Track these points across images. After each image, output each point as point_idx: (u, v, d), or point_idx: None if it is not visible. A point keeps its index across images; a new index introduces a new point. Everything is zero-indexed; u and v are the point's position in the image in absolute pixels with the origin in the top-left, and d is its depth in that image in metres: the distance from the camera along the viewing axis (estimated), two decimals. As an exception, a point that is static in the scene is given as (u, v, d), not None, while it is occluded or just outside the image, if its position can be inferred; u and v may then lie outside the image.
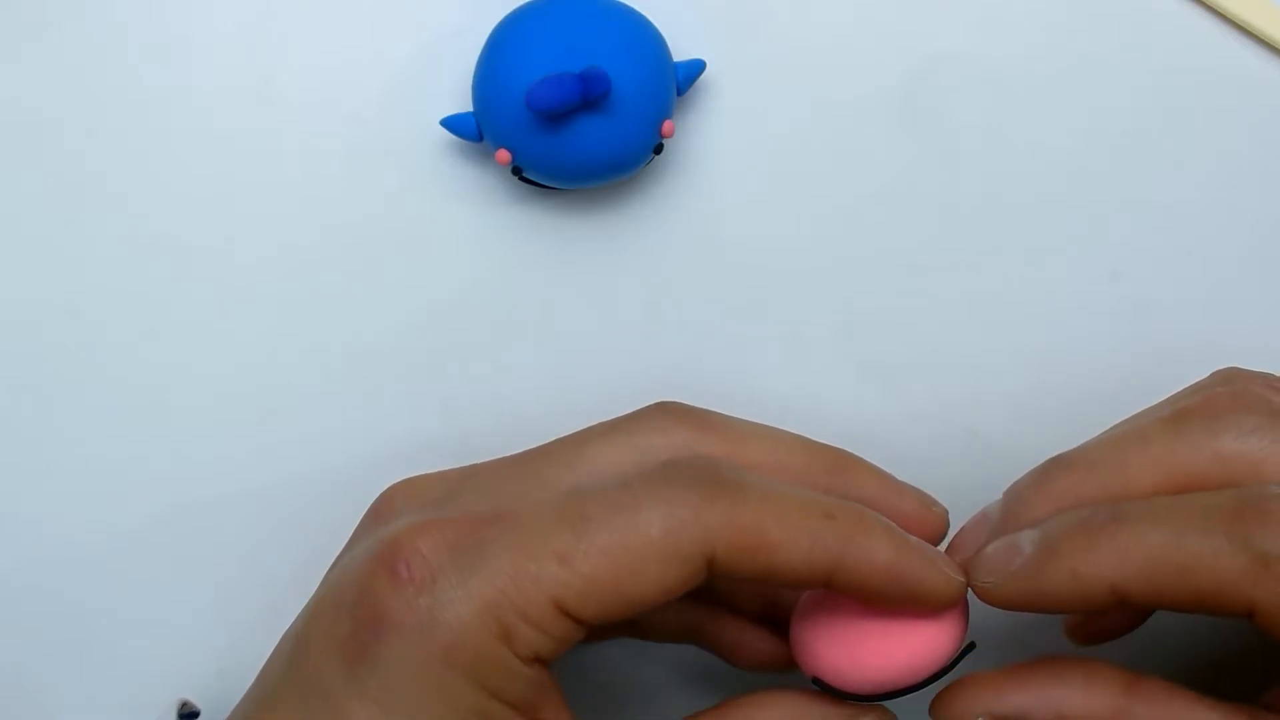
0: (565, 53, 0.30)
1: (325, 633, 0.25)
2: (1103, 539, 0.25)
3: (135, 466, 0.33)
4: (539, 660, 0.24)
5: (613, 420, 0.27)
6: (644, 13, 0.32)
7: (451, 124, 0.32)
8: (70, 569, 0.33)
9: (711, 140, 0.33)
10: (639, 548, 0.24)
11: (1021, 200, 0.34)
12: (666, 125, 0.31)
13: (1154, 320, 0.34)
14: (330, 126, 0.33)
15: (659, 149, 0.32)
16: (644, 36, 0.31)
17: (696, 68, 0.32)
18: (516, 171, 0.31)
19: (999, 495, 0.33)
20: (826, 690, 0.26)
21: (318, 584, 0.27)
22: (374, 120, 0.33)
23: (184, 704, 0.28)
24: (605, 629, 0.29)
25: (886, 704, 0.27)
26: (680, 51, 0.32)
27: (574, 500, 0.25)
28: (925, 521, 0.27)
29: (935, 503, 0.28)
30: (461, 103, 0.32)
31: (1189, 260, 0.34)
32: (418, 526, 0.25)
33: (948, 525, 0.28)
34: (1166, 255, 0.34)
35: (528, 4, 0.31)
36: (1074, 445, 0.33)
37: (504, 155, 0.31)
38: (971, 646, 0.26)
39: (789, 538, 0.25)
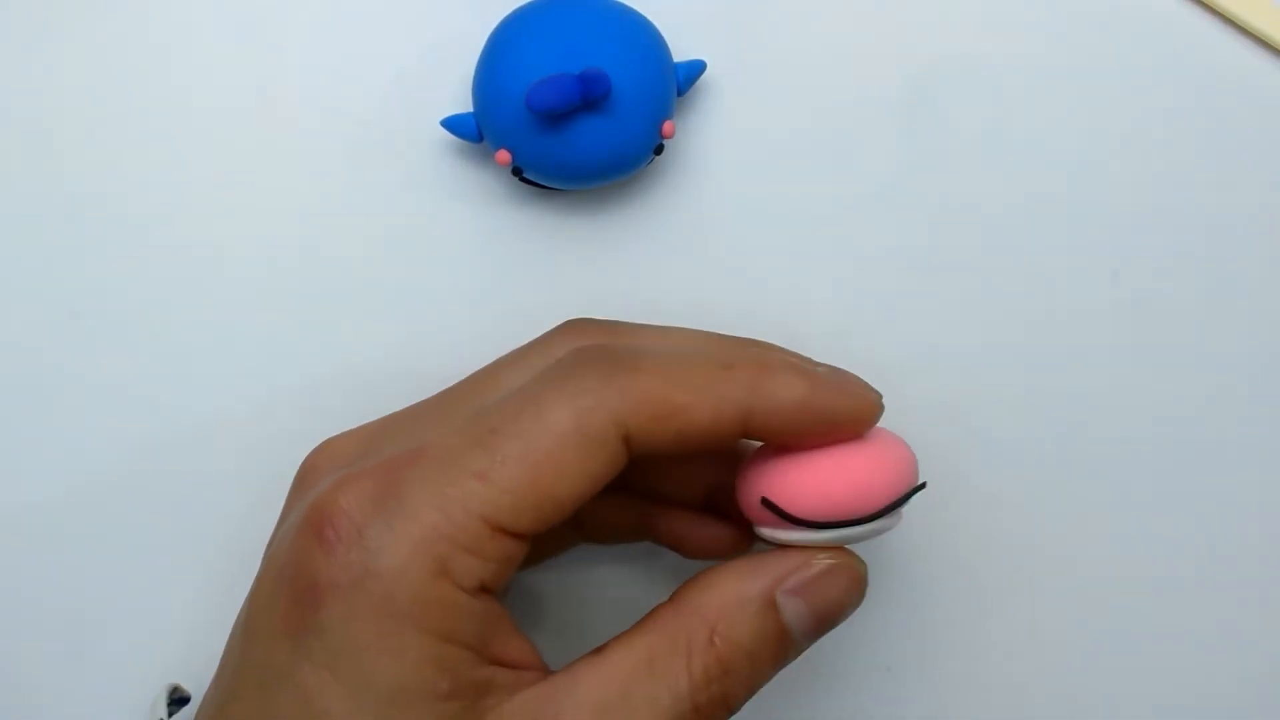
0: (565, 53, 0.30)
1: (266, 612, 0.25)
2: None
3: (135, 465, 0.33)
4: (484, 590, 0.24)
5: (524, 344, 0.27)
6: (644, 13, 0.32)
7: (452, 124, 0.32)
8: (65, 555, 0.33)
9: (711, 140, 0.33)
10: (553, 445, 0.24)
11: (1021, 201, 0.34)
12: (666, 126, 0.31)
13: (1154, 320, 0.34)
14: (331, 127, 0.33)
15: (659, 149, 0.32)
16: (644, 37, 0.31)
17: (696, 68, 0.32)
18: (516, 172, 0.31)
19: (999, 496, 0.34)
20: (776, 513, 0.25)
21: None
22: (374, 121, 0.33)
23: (174, 689, 0.28)
24: (552, 540, 0.30)
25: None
26: (680, 51, 0.32)
27: (480, 418, 0.25)
28: (863, 414, 0.26)
29: (866, 389, 0.26)
30: (462, 103, 0.32)
31: (1189, 260, 0.34)
32: (337, 484, 0.25)
33: (881, 404, 0.26)
34: (1166, 255, 0.34)
35: (528, 5, 0.31)
36: (1074, 446, 0.33)
37: (504, 156, 0.31)
38: (922, 486, 0.26)
39: (694, 398, 0.24)
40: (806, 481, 0.25)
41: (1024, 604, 0.33)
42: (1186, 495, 0.34)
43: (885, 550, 0.33)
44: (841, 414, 0.25)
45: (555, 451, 0.24)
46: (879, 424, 0.26)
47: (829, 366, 0.26)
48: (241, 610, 0.26)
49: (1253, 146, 0.34)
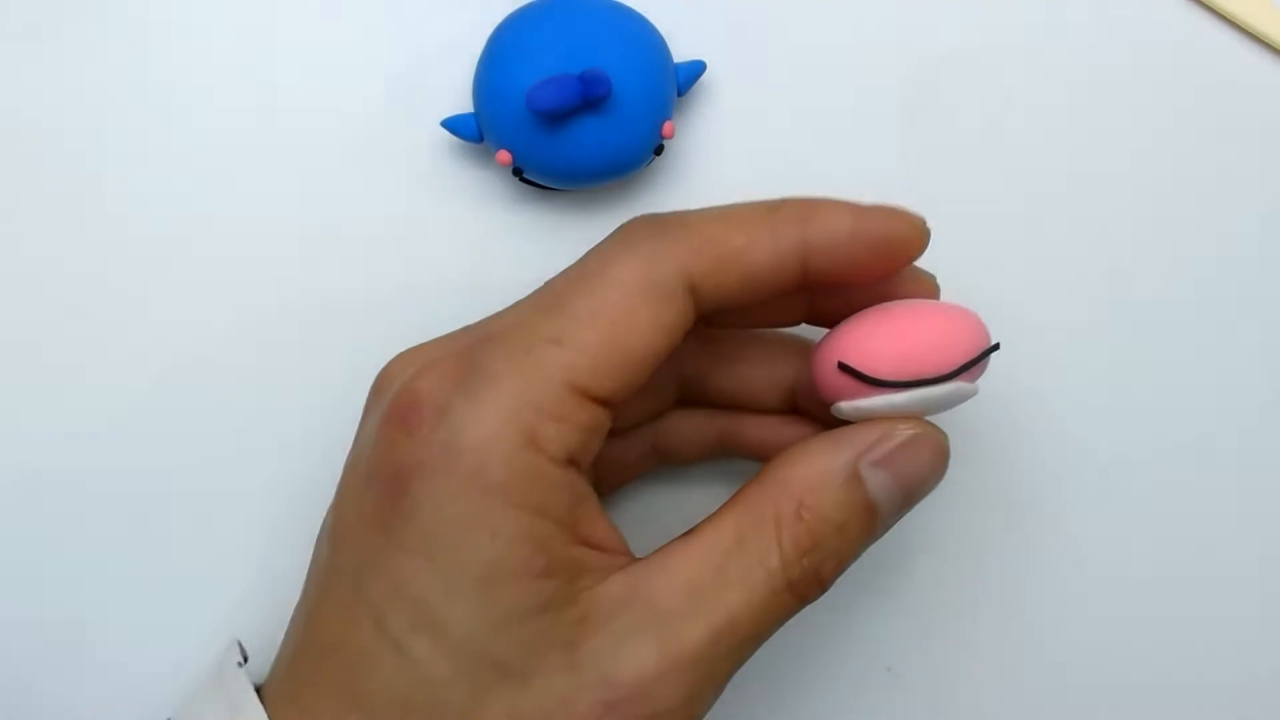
0: (565, 54, 0.30)
1: (355, 508, 0.24)
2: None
3: (134, 464, 0.33)
4: (572, 463, 0.24)
5: None
6: (644, 13, 0.32)
7: (452, 125, 0.32)
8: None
9: (711, 141, 0.33)
10: (623, 299, 0.24)
11: (1021, 201, 0.34)
12: (666, 126, 0.31)
13: (1153, 320, 0.34)
14: (331, 128, 0.33)
15: (659, 150, 0.32)
16: (644, 37, 0.31)
17: (696, 68, 0.32)
18: (517, 172, 0.31)
19: (999, 495, 0.34)
20: (853, 374, 0.25)
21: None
22: (375, 121, 0.33)
23: (240, 645, 0.28)
24: (634, 460, 0.30)
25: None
26: (680, 52, 0.32)
27: (545, 289, 0.25)
28: (913, 234, 0.26)
29: (910, 213, 0.26)
30: (462, 104, 0.32)
31: (1189, 260, 0.34)
32: (415, 375, 0.24)
33: (927, 227, 0.27)
34: (1166, 255, 0.34)
35: (528, 5, 0.31)
36: (1074, 445, 0.33)
37: (504, 156, 0.31)
38: (995, 347, 0.26)
39: (750, 238, 0.24)
40: (881, 340, 0.25)
41: (1024, 604, 0.33)
42: (1189, 496, 0.34)
43: (885, 550, 0.33)
44: (892, 235, 0.25)
45: (626, 305, 0.24)
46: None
47: (870, 200, 0.26)
48: (325, 520, 0.26)
49: (1253, 146, 0.34)
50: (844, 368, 0.25)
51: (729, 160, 0.34)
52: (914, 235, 0.26)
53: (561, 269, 0.33)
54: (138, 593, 0.33)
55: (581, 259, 0.25)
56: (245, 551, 0.33)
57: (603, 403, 0.24)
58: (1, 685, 0.33)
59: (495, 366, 0.23)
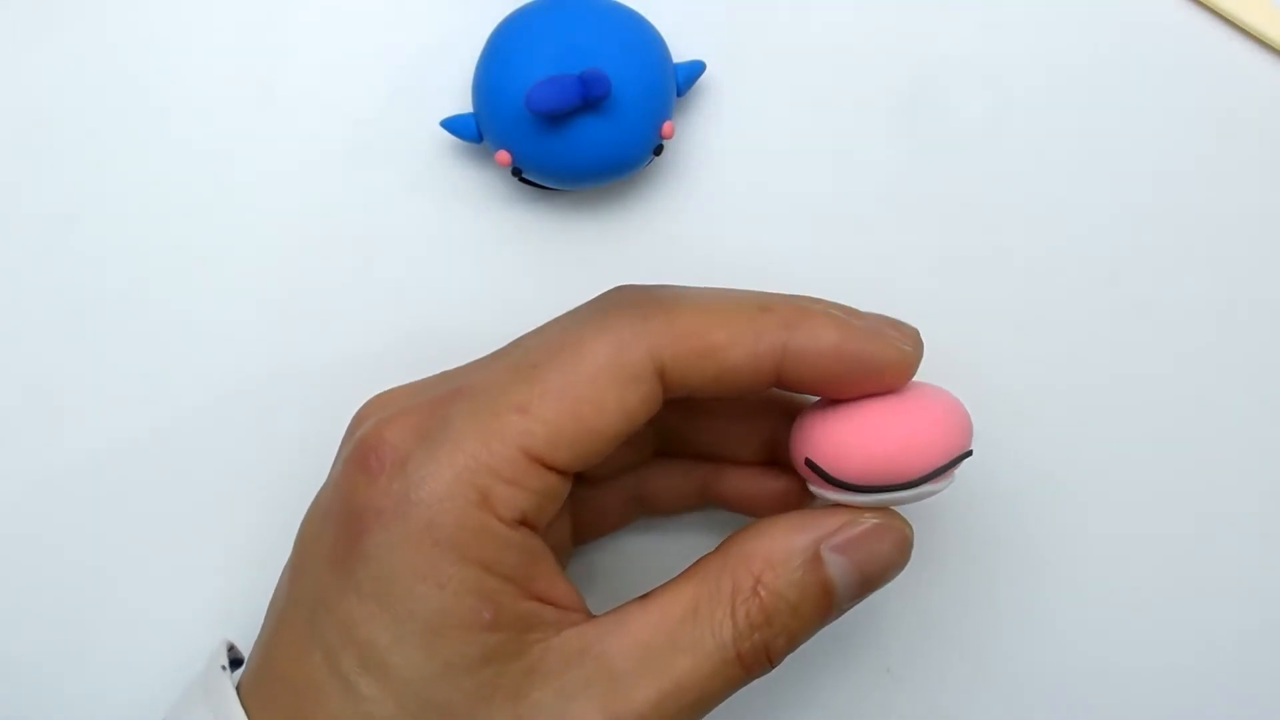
0: (565, 54, 0.30)
1: (315, 544, 0.25)
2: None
3: (133, 466, 0.33)
4: (525, 523, 0.24)
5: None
6: (644, 13, 0.32)
7: (451, 125, 0.32)
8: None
9: (711, 141, 0.33)
10: (591, 378, 0.24)
11: (1021, 201, 0.34)
12: (666, 126, 0.31)
13: (1154, 321, 0.34)
14: (331, 128, 0.33)
15: (659, 150, 0.32)
16: (644, 37, 0.31)
17: (696, 68, 0.32)
18: (516, 172, 0.31)
19: (999, 497, 0.34)
20: (819, 475, 0.26)
21: None
22: (374, 121, 0.33)
23: (231, 646, 0.28)
24: (612, 513, 0.30)
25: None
26: (680, 52, 0.32)
27: (521, 354, 0.25)
28: (897, 364, 0.26)
29: (903, 338, 0.26)
30: (461, 104, 0.32)
31: (1189, 261, 0.34)
32: (383, 421, 0.25)
33: (919, 354, 0.27)
34: (1166, 256, 0.34)
35: (527, 5, 0.31)
36: (1074, 444, 0.33)
37: (504, 156, 0.31)
38: (968, 454, 0.26)
39: (731, 336, 0.25)
40: (849, 443, 0.25)
41: (1025, 604, 0.33)
42: (1189, 495, 0.34)
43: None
44: (875, 361, 0.25)
45: (593, 385, 0.24)
46: (940, 384, 0.26)
47: (875, 315, 0.27)
48: (292, 550, 0.26)
49: (1253, 146, 0.34)
50: (810, 464, 0.26)
51: (729, 160, 0.33)
52: (899, 363, 0.25)
53: (561, 269, 0.33)
54: (138, 593, 0.33)
55: (562, 324, 0.26)
56: (245, 553, 0.33)
57: (559, 471, 0.24)
58: (2, 685, 0.33)
59: (459, 425, 0.24)
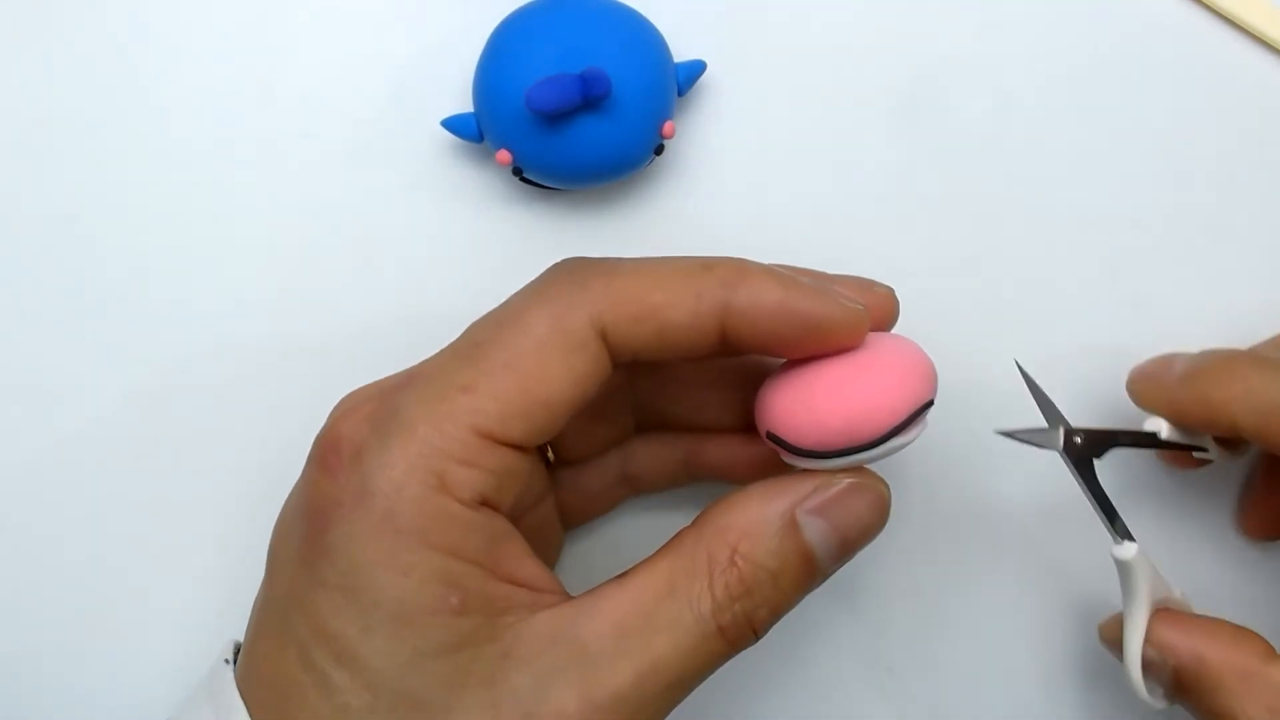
0: (565, 53, 0.30)
1: (284, 544, 0.25)
2: (1236, 378, 0.27)
3: (134, 466, 0.33)
4: (486, 504, 0.24)
5: None
6: (644, 13, 0.32)
7: (452, 125, 0.32)
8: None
9: (711, 141, 0.33)
10: (534, 349, 0.24)
11: (1021, 200, 0.34)
12: (667, 126, 0.31)
13: (1153, 320, 0.34)
14: (331, 127, 0.33)
15: (659, 149, 0.32)
16: (644, 37, 0.31)
17: (696, 68, 0.32)
18: (517, 172, 0.31)
19: (999, 494, 0.34)
20: (781, 445, 0.25)
21: None
22: (375, 121, 0.33)
23: (239, 646, 0.28)
24: (602, 496, 0.30)
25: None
26: (680, 52, 0.32)
27: (464, 336, 0.25)
28: (844, 321, 0.25)
29: (854, 296, 0.26)
30: (462, 103, 0.32)
31: (1189, 260, 0.34)
32: (338, 416, 0.25)
33: (887, 313, 0.27)
34: (1166, 255, 0.34)
35: (527, 5, 0.31)
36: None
37: (504, 156, 0.31)
38: (929, 404, 0.25)
39: (670, 296, 0.24)
40: (804, 411, 0.25)
41: (1025, 604, 0.33)
42: (1189, 494, 0.34)
43: (885, 550, 0.33)
44: (821, 319, 0.25)
45: (536, 356, 0.24)
46: (901, 333, 0.26)
47: (834, 276, 0.26)
48: (267, 554, 0.26)
49: (1253, 146, 0.34)
50: (772, 438, 0.25)
51: (729, 160, 0.33)
52: (845, 320, 0.25)
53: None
54: (139, 594, 0.33)
55: (505, 302, 0.26)
56: (244, 551, 0.33)
57: (515, 447, 0.24)
58: (2, 686, 0.33)
59: (409, 412, 0.24)
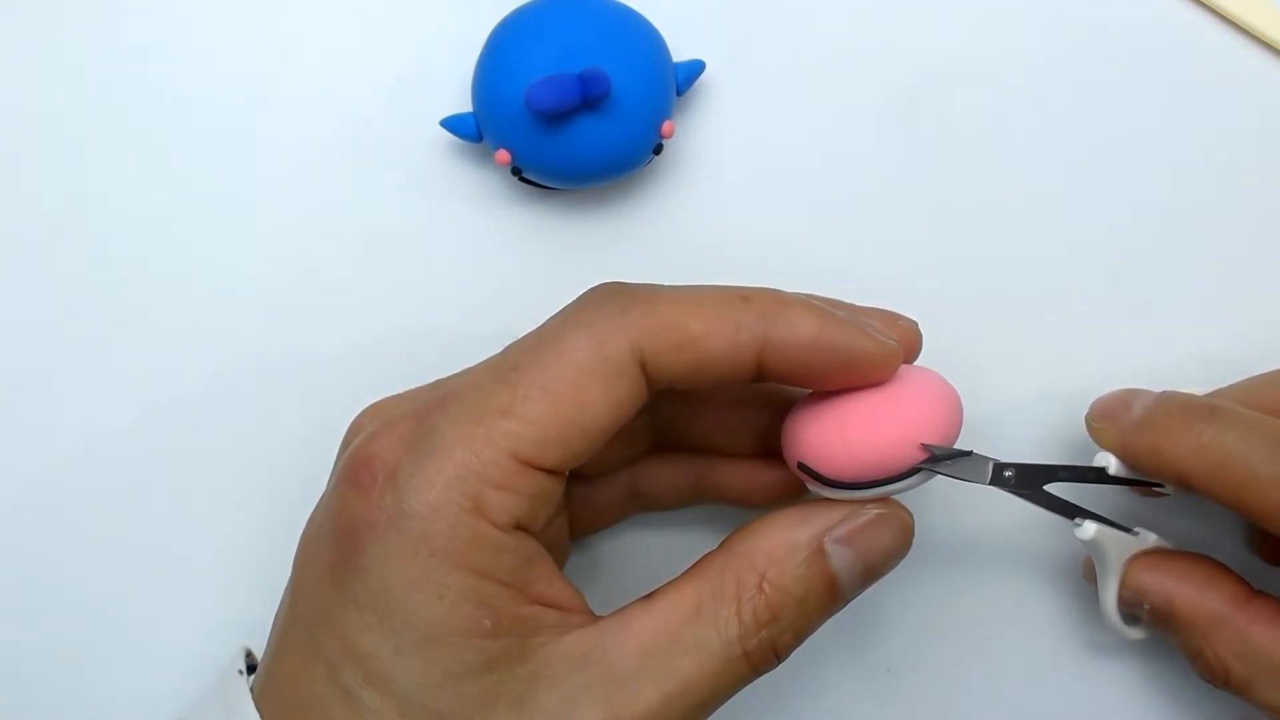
0: (564, 53, 0.30)
1: (312, 561, 0.25)
2: (1191, 432, 0.27)
3: (135, 467, 0.33)
4: (520, 528, 0.24)
5: None
6: (644, 13, 0.32)
7: (451, 124, 0.32)
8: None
9: (711, 140, 0.33)
10: (573, 375, 0.24)
11: (1021, 201, 0.34)
12: (666, 125, 0.31)
13: (1154, 321, 0.34)
14: (331, 127, 0.33)
15: (659, 149, 0.32)
16: (644, 37, 0.31)
17: (696, 68, 0.32)
18: (516, 172, 0.31)
19: (999, 494, 0.33)
20: (812, 476, 0.26)
21: None
22: (374, 121, 0.33)
23: (249, 653, 0.28)
24: (610, 508, 0.30)
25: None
26: (680, 51, 0.32)
27: (501, 357, 0.25)
28: (878, 356, 0.26)
29: (887, 330, 0.26)
30: (461, 103, 0.32)
31: (1189, 261, 0.34)
32: (373, 433, 0.25)
33: (916, 346, 0.28)
34: (1166, 256, 0.34)
35: (527, 5, 0.31)
36: (1075, 443, 0.33)
37: (504, 155, 0.31)
38: (967, 453, 0.26)
39: (709, 326, 0.25)
40: (838, 443, 0.25)
41: (1025, 603, 0.33)
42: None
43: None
44: (855, 353, 0.25)
45: (575, 381, 0.24)
46: (929, 367, 0.26)
47: (871, 308, 0.27)
48: (291, 569, 0.26)
49: (1253, 146, 0.34)
50: (804, 469, 0.26)
51: (729, 160, 0.33)
52: (880, 355, 0.25)
53: (561, 269, 0.33)
54: (137, 592, 0.33)
55: (543, 325, 0.26)
56: (247, 553, 0.33)
57: (550, 472, 0.24)
58: (2, 686, 0.33)
59: (446, 433, 0.24)
